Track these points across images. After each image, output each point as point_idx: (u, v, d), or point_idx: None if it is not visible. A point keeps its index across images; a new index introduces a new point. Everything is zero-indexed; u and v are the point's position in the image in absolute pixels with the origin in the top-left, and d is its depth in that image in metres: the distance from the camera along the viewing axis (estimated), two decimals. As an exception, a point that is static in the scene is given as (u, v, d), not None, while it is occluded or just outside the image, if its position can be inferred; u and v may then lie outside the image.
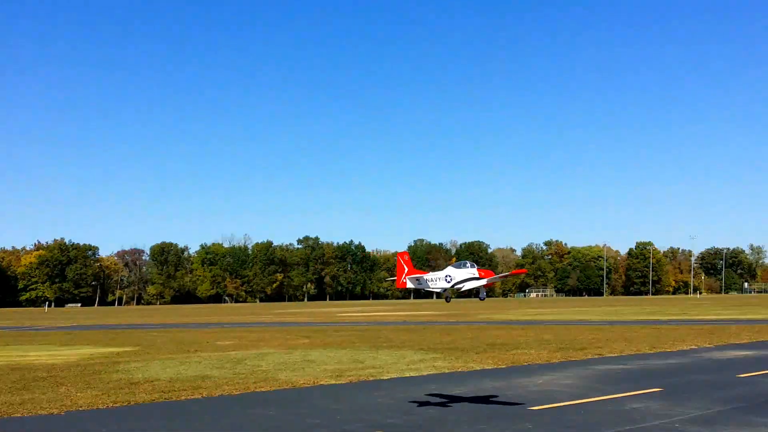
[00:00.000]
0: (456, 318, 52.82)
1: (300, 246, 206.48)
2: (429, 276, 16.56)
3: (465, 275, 16.52)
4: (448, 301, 27.39)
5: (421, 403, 13.27)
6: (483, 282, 16.67)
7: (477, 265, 18.90)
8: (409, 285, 16.03)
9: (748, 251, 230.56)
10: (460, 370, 18.61)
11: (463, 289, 16.84)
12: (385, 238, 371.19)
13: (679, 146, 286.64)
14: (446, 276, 16.50)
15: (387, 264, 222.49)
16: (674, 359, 20.36)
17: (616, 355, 21.92)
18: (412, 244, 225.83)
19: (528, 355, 22.00)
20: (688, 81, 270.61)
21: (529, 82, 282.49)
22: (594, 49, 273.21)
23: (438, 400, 13.69)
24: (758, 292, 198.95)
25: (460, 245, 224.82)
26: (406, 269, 15.90)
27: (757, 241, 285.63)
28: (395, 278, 15.83)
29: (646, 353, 22.30)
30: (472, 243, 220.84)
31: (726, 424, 10.92)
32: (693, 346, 24.28)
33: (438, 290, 16.62)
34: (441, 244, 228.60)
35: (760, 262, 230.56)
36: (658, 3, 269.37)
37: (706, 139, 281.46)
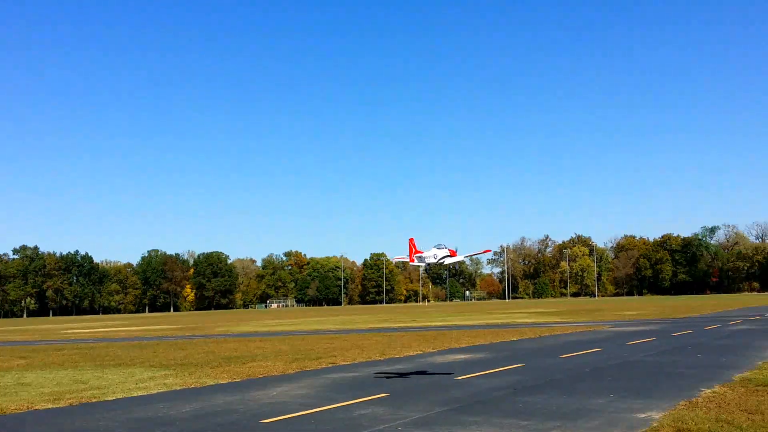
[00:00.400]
0: (192, 332, 51.26)
1: (16, 256, 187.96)
2: (425, 254, 21.85)
3: (443, 254, 21.97)
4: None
5: (144, 424, 12.57)
6: (456, 258, 22.18)
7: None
8: (416, 263, 21.70)
9: (468, 262, 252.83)
10: (192, 386, 17.96)
11: (443, 264, 22.31)
12: (115, 249, 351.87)
13: (393, 161, 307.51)
14: (434, 254, 21.87)
15: (118, 276, 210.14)
16: (401, 365, 21.49)
17: (349, 363, 22.61)
18: (146, 255, 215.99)
19: (264, 367, 21.88)
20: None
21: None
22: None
23: (163, 419, 13.06)
24: (478, 299, 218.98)
25: (198, 256, 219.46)
26: (414, 250, 21.68)
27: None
28: (407, 258, 21.43)
29: (377, 360, 23.29)
30: (211, 254, 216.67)
31: (443, 424, 11.67)
32: (419, 351, 25.87)
33: (432, 263, 21.99)
34: (178, 254, 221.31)
35: (479, 272, 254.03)
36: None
37: (406, 154, 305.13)
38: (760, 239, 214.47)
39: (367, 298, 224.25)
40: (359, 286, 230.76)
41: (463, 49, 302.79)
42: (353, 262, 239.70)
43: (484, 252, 26.79)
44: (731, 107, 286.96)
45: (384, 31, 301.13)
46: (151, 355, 28.41)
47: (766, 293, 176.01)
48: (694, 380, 15.64)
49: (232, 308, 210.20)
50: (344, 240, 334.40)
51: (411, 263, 22.04)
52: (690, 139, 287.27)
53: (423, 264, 22.72)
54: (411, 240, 22.58)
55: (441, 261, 22.89)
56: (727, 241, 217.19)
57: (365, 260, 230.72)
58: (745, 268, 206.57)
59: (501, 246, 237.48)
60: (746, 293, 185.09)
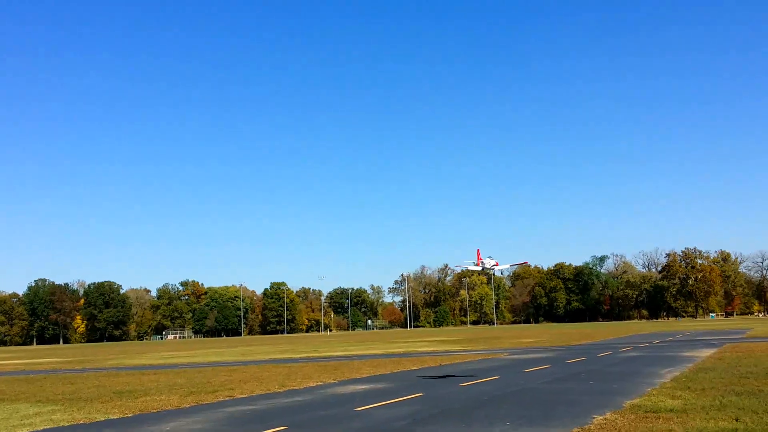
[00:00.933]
0: (82, 365, 48.85)
1: None
2: (484, 260, 32.26)
3: (493, 262, 32.04)
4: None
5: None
6: (503, 266, 33.21)
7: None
8: (479, 267, 33.58)
9: (369, 291, 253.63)
10: (81, 422, 17.01)
11: (494, 269, 34.02)
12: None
13: (291, 191, 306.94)
14: (488, 262, 32.61)
15: (3, 306, 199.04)
16: (301, 396, 21.09)
17: (246, 395, 22.00)
18: (33, 285, 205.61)
19: (158, 401, 21.01)
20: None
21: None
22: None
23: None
24: (380, 328, 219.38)
25: (89, 285, 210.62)
26: (479, 258, 33.08)
27: (376, 282, 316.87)
28: (474, 263, 34.07)
29: (276, 392, 22.78)
30: (103, 283, 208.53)
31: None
32: (319, 383, 25.49)
33: (487, 268, 32.65)
34: (67, 284, 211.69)
35: (381, 301, 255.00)
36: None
37: (303, 184, 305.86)
38: (646, 268, 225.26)
39: (268, 328, 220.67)
40: (260, 316, 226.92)
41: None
42: (253, 292, 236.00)
43: (522, 264, 32.73)
44: (613, 145, 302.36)
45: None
46: (38, 390, 26.85)
47: (654, 321, 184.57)
48: (587, 407, 16.04)
49: (125, 340, 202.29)
50: (243, 269, 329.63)
51: (476, 267, 33.59)
52: (579, 172, 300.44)
53: (483, 268, 34.31)
54: (478, 250, 34.37)
55: (492, 268, 35.02)
56: (616, 269, 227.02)
57: (265, 289, 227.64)
58: (634, 296, 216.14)
59: (402, 275, 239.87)
60: (636, 320, 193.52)
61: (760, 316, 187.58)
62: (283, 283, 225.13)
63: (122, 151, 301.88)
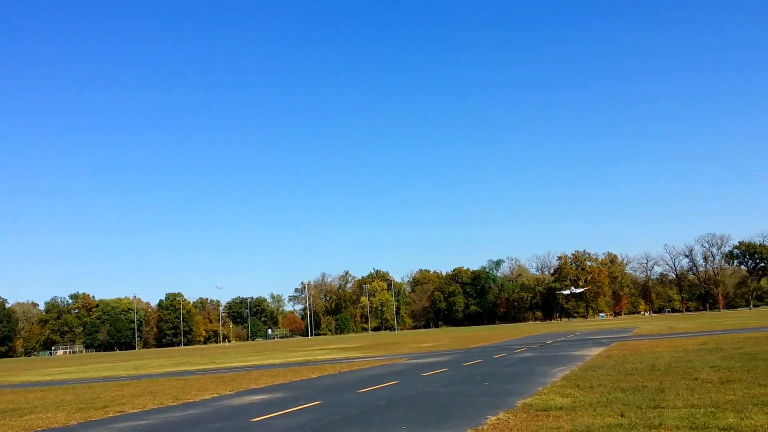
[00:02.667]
0: (-41, 385, 45.80)
1: None
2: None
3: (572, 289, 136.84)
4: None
5: None
6: (578, 290, 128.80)
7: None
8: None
9: (270, 300, 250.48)
10: (-46, 447, 15.92)
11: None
12: None
13: (187, 199, 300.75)
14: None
15: None
16: (195, 410, 20.48)
17: (138, 410, 21.19)
18: None
19: (44, 419, 19.95)
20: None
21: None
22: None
23: None
24: (281, 337, 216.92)
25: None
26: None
27: (277, 290, 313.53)
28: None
29: (169, 406, 22.03)
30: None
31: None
32: (215, 395, 24.85)
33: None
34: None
35: (281, 309, 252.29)
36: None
37: (200, 191, 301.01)
38: (539, 271, 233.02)
39: (164, 340, 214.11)
40: (155, 329, 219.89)
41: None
42: (147, 304, 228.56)
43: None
44: (506, 150, 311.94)
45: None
46: None
47: (547, 322, 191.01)
48: (481, 408, 16.30)
49: (12, 356, 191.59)
50: (137, 280, 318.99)
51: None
52: (476, 178, 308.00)
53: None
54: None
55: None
56: (512, 273, 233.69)
57: (161, 301, 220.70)
58: (529, 298, 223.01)
59: (302, 283, 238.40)
60: (530, 322, 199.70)
61: (646, 315, 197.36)
62: (179, 294, 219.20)
63: (5, 159, 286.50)
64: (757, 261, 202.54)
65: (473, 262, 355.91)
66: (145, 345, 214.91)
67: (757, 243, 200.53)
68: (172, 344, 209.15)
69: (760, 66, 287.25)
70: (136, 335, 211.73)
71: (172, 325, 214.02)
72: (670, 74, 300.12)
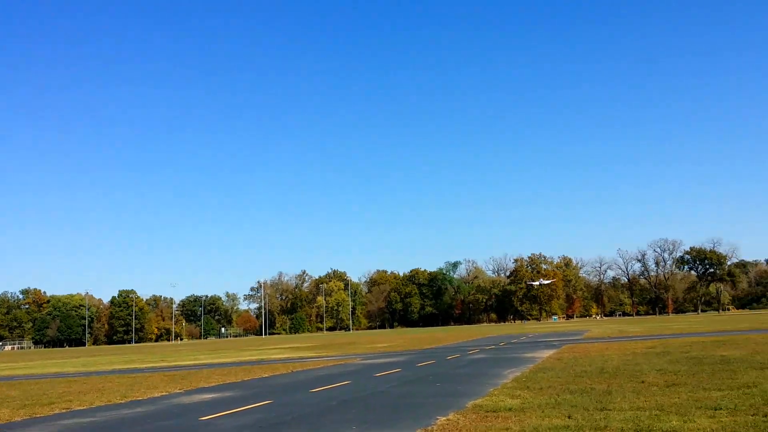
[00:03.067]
0: None
1: None
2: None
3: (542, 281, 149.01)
4: None
5: None
6: (546, 282, 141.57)
7: None
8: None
9: (224, 298, 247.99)
10: None
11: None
12: None
13: (143, 197, 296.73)
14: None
15: None
16: (143, 407, 20.17)
17: (85, 407, 20.82)
18: None
19: (-14, 416, 19.50)
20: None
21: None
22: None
23: None
24: (234, 336, 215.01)
25: None
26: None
27: (232, 289, 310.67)
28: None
29: (117, 403, 21.69)
30: None
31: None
32: (165, 393, 24.51)
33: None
34: None
35: (235, 308, 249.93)
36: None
37: (156, 187, 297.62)
38: (496, 273, 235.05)
39: (115, 337, 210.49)
40: (106, 325, 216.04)
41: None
42: (99, 300, 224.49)
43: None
44: (461, 154, 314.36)
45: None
46: None
47: (501, 324, 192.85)
48: (431, 409, 16.34)
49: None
50: (90, 277, 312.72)
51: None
52: (433, 180, 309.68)
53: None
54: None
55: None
56: (468, 275, 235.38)
57: (113, 297, 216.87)
58: (484, 300, 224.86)
59: (258, 281, 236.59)
60: (485, 324, 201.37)
61: (598, 318, 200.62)
62: (132, 291, 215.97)
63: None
64: (707, 267, 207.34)
65: (430, 263, 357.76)
66: (96, 342, 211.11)
67: (707, 249, 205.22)
68: (123, 341, 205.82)
69: (721, 67, 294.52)
70: (87, 332, 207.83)
71: (124, 322, 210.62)
72: (628, 77, 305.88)
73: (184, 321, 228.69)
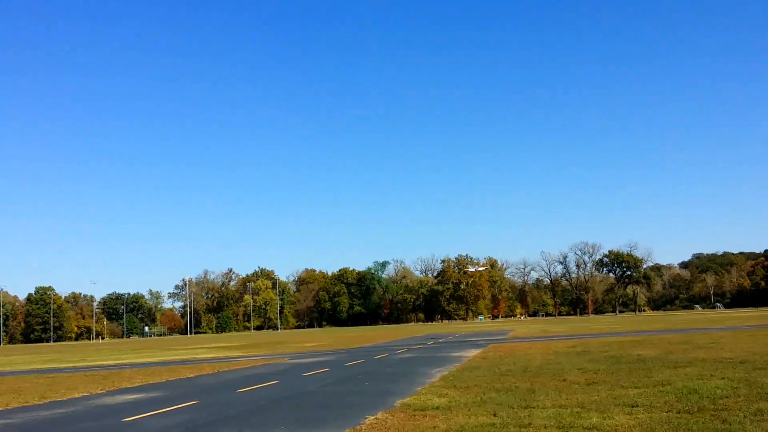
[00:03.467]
0: None
1: None
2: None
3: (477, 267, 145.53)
4: None
5: None
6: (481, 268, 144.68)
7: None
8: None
9: (148, 296, 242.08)
10: None
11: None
12: None
13: (64, 191, 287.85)
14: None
15: None
16: (63, 408, 19.58)
17: (1, 409, 20.10)
18: None
19: None
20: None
21: None
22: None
23: None
24: (158, 335, 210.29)
25: None
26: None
27: (156, 287, 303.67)
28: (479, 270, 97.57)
29: (35, 404, 20.99)
30: None
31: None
32: (85, 393, 23.85)
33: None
34: None
35: (159, 306, 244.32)
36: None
37: (73, 181, 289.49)
38: (423, 273, 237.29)
39: (32, 336, 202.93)
40: (22, 323, 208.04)
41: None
42: (15, 297, 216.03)
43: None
44: (391, 154, 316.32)
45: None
46: None
47: (429, 323, 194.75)
48: (360, 408, 16.43)
49: None
50: (5, 273, 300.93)
51: None
52: (360, 179, 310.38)
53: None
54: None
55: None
56: (396, 275, 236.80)
57: (30, 294, 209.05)
58: (412, 300, 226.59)
59: (183, 279, 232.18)
60: (413, 323, 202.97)
61: (522, 318, 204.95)
62: (50, 288, 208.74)
63: None
64: (624, 269, 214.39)
65: (359, 262, 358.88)
66: (12, 341, 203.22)
67: (625, 252, 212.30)
68: (41, 340, 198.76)
69: (633, 75, 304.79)
70: (2, 330, 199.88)
71: (42, 320, 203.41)
72: (550, 84, 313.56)
73: (105, 319, 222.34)
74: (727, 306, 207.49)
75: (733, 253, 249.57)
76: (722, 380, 17.92)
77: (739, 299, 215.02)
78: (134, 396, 22.33)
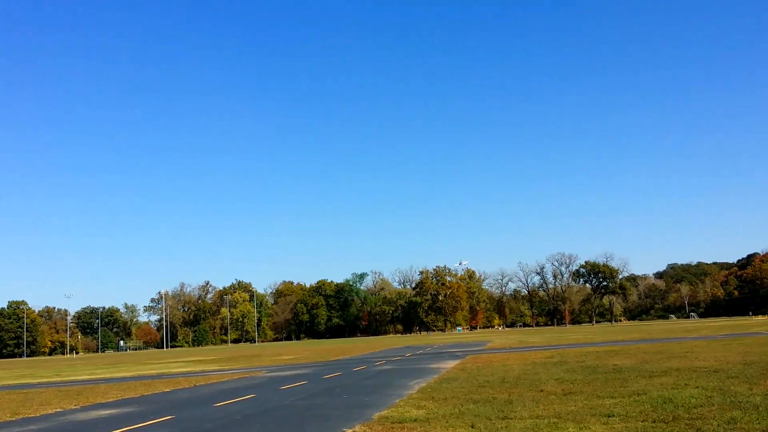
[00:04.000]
0: None
1: None
2: None
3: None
4: None
5: None
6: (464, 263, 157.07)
7: None
8: None
9: (123, 310, 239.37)
10: None
11: None
12: None
13: (41, 202, 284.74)
14: None
15: None
16: (36, 425, 19.27)
17: (-28, 427, 19.77)
18: None
19: None
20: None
21: None
22: None
23: None
24: (134, 349, 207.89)
25: None
26: None
27: (131, 300, 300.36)
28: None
29: (7, 421, 20.64)
30: None
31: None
32: (59, 409, 23.51)
33: None
34: None
35: (135, 320, 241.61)
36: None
37: (54, 192, 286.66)
38: (402, 285, 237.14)
39: (5, 351, 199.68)
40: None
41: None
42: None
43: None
44: (373, 164, 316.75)
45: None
46: None
47: (407, 335, 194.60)
48: (338, 421, 16.36)
49: None
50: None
51: None
52: (338, 190, 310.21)
53: None
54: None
55: None
56: (375, 286, 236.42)
57: (2, 309, 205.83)
58: (390, 311, 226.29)
59: (159, 292, 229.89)
60: (391, 335, 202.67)
61: (499, 329, 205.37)
62: (23, 302, 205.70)
63: None
64: (600, 280, 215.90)
65: (337, 274, 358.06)
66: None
67: (601, 263, 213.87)
68: (13, 355, 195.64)
69: (612, 85, 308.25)
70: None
71: (15, 335, 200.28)
72: (525, 93, 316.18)
73: (79, 334, 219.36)
74: (701, 315, 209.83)
75: (706, 264, 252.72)
76: (696, 389, 18.10)
77: (713, 309, 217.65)
78: (109, 411, 22.04)
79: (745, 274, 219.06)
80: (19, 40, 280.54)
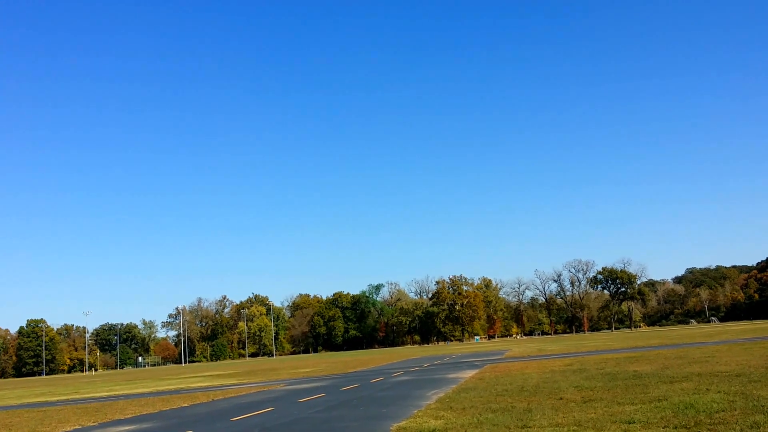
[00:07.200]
0: None
1: None
2: None
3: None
4: None
5: None
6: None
7: None
8: None
9: (141, 326, 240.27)
10: None
11: None
12: None
13: (57, 220, 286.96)
14: None
15: None
16: (55, 443, 19.33)
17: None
18: None
19: None
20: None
21: None
22: None
23: None
24: (152, 365, 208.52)
25: None
26: None
27: (149, 316, 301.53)
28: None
29: (26, 440, 20.74)
30: None
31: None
32: (77, 426, 23.57)
33: None
34: None
35: (153, 336, 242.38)
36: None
37: (71, 211, 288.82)
38: (418, 295, 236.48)
39: (24, 369, 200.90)
40: (14, 357, 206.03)
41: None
42: (6, 331, 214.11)
43: None
44: (380, 179, 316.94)
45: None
46: None
47: (425, 345, 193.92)
48: (356, 433, 16.28)
49: None
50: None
51: None
52: (354, 203, 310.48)
53: None
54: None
55: None
56: (391, 297, 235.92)
57: (21, 327, 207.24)
58: (407, 322, 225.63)
59: (177, 308, 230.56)
60: (409, 346, 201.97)
61: (518, 337, 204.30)
62: (42, 320, 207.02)
63: None
64: (618, 286, 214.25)
65: (353, 286, 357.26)
66: (3, 375, 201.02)
67: (619, 269, 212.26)
68: (33, 374, 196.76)
69: (628, 91, 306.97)
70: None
71: (34, 353, 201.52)
72: (538, 100, 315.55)
73: (98, 351, 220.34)
74: (721, 320, 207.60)
75: (726, 267, 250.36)
76: (718, 394, 17.84)
77: (734, 312, 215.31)
78: (127, 428, 22.05)
79: (765, 277, 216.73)
80: (19, 39, 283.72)
